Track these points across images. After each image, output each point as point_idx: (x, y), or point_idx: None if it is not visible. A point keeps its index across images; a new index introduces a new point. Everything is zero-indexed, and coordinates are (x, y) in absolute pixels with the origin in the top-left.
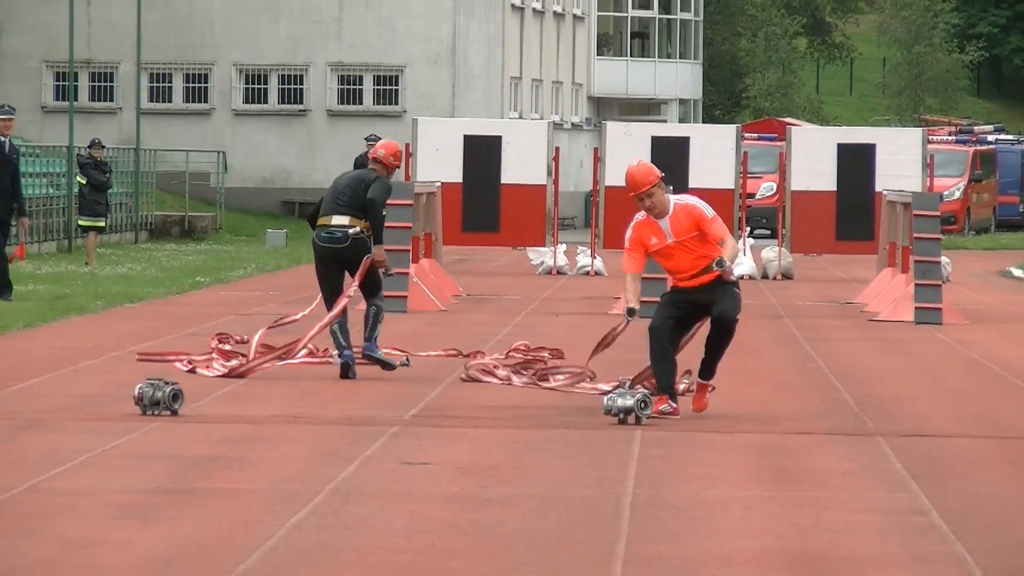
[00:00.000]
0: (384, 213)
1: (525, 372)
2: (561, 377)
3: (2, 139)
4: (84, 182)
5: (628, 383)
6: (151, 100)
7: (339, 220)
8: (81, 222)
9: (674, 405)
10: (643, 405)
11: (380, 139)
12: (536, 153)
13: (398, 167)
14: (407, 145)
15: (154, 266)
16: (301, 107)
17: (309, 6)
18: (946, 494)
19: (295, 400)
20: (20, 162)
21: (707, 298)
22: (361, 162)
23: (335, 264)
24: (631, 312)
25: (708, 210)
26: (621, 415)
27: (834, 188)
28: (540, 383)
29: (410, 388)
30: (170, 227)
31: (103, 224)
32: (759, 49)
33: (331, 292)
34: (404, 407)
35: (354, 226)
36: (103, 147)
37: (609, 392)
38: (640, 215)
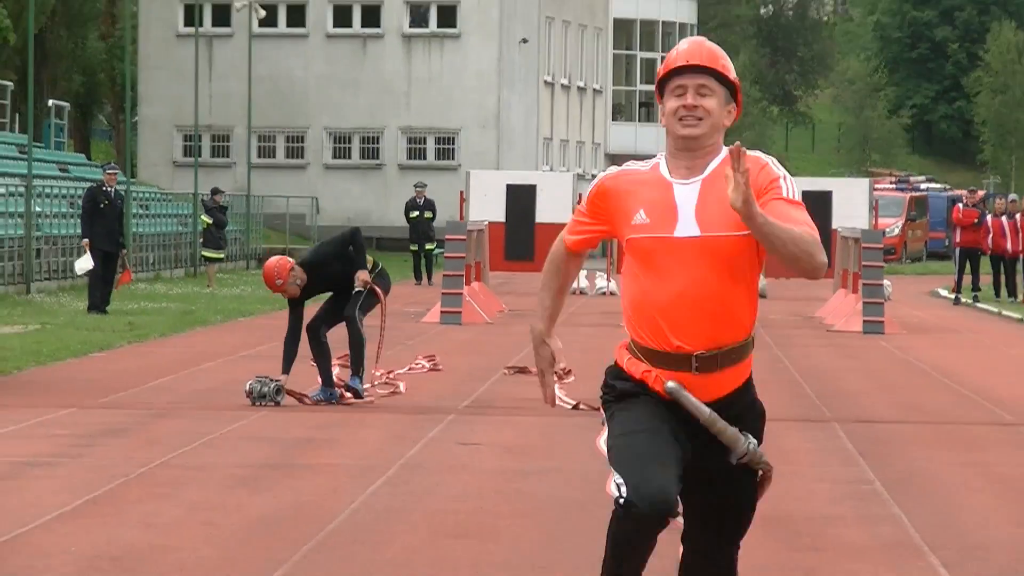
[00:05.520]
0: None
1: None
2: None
3: (109, 189)
4: (211, 222)
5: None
6: (259, 156)
7: None
8: (206, 254)
9: None
10: None
11: (426, 186)
12: (564, 198)
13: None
14: (461, 192)
15: (262, 288)
16: (377, 162)
17: (384, 81)
18: (887, 468)
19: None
20: (129, 205)
21: (703, 448)
22: (411, 204)
23: None
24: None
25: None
26: None
27: None
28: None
29: (463, 384)
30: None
31: (223, 256)
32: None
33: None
34: (459, 399)
35: None
36: (223, 193)
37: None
38: (620, 168)
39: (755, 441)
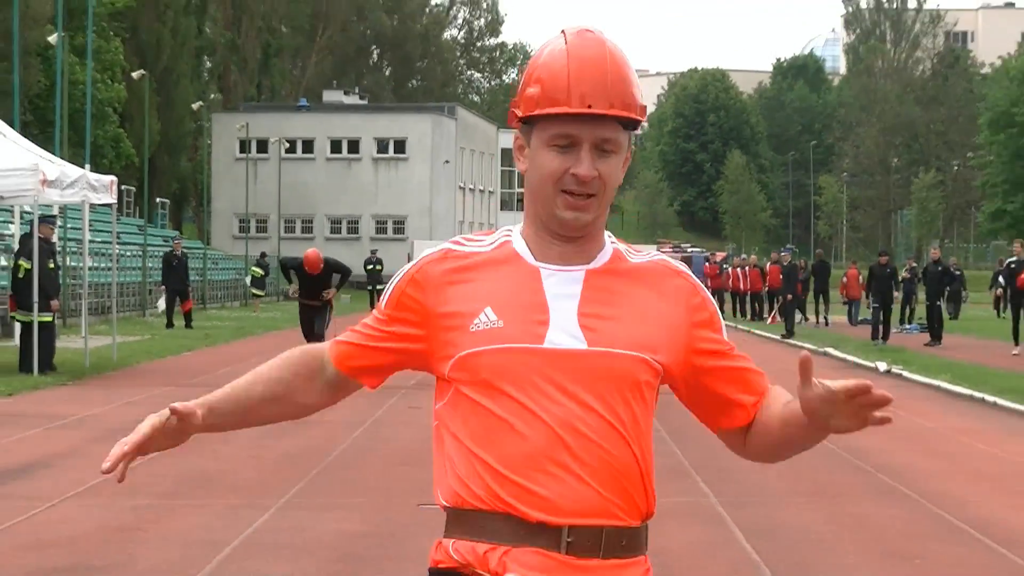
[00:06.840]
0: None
1: None
2: None
3: (177, 253)
4: (262, 273)
5: None
6: (285, 233)
7: None
8: (255, 291)
9: None
10: None
11: (377, 250)
12: None
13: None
14: (408, 255)
15: (288, 313)
16: (357, 236)
17: (362, 187)
18: (669, 421)
19: None
20: (205, 263)
21: None
22: (367, 260)
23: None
24: None
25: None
26: None
27: None
28: None
29: (409, 372)
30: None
31: (264, 293)
32: None
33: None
34: (407, 379)
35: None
36: (267, 255)
37: None
38: (448, 246)
39: None
